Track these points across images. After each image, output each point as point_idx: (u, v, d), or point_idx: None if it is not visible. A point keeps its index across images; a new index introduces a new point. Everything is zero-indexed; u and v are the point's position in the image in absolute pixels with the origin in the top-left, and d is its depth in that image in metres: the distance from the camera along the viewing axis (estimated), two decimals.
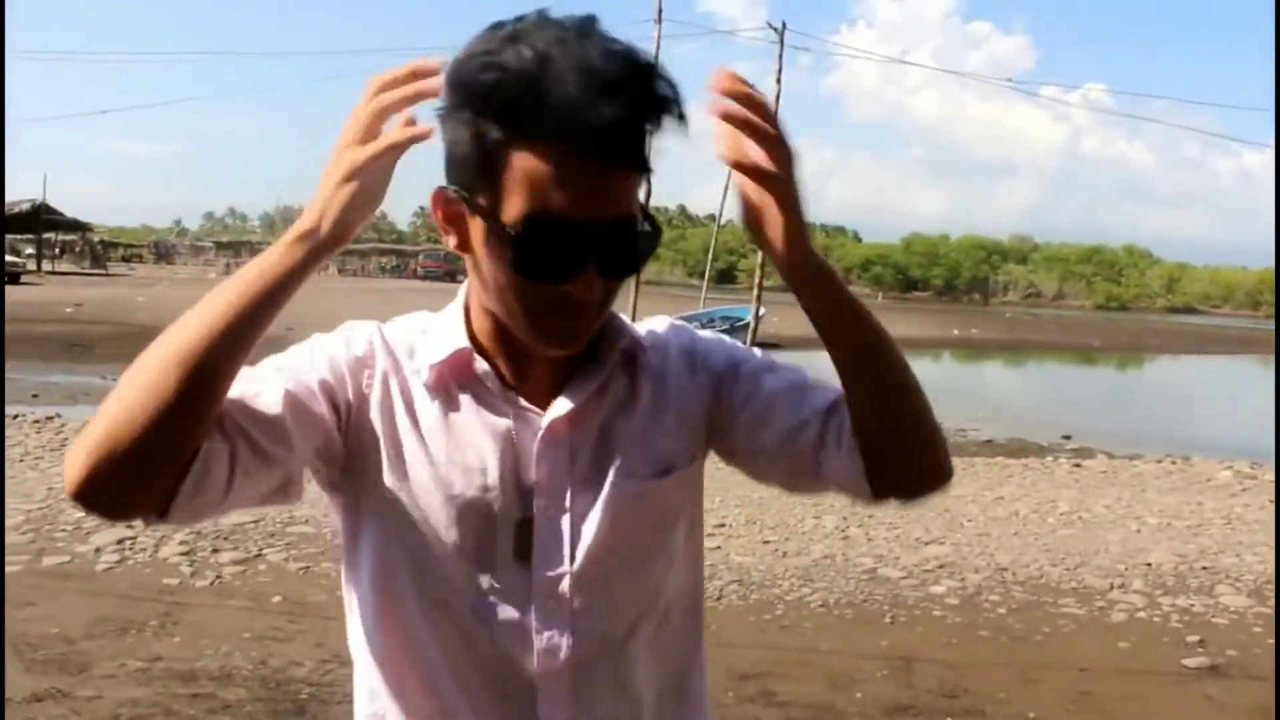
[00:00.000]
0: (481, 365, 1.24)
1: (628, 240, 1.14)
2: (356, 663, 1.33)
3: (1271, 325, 75.67)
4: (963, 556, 7.46)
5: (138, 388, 1.03)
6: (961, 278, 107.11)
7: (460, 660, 1.24)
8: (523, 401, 1.24)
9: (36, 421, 11.04)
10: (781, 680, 4.87)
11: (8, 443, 9.50)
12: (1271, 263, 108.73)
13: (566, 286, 1.12)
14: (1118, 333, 53.82)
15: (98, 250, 62.11)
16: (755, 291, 18.68)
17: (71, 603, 5.53)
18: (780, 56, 18.59)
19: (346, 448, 1.24)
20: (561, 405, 1.24)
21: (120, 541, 6.62)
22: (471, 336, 1.25)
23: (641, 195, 1.15)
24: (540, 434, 1.23)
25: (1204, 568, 7.44)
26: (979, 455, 13.11)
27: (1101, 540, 8.20)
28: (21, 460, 8.93)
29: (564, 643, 1.24)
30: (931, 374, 32.38)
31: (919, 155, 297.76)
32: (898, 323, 49.01)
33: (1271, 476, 11.86)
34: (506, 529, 1.23)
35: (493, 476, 1.22)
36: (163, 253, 76.95)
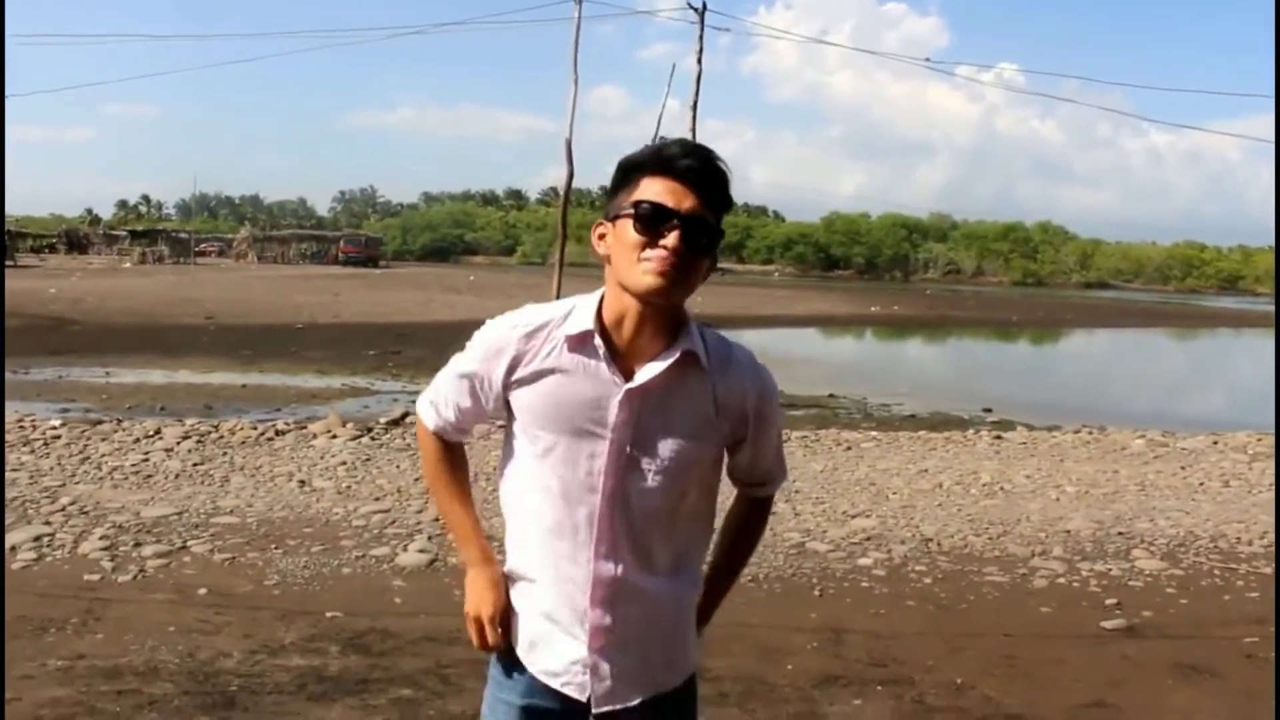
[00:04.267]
0: (597, 340, 1.98)
1: (698, 224, 1.93)
2: (507, 520, 2.13)
3: (1181, 299, 77.79)
4: (889, 529, 7.58)
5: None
6: (882, 256, 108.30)
7: (546, 513, 2.02)
8: (617, 372, 1.98)
9: None
10: (713, 654, 4.90)
11: None
12: (1179, 238, 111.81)
13: (661, 237, 1.90)
14: (1035, 308, 54.92)
15: (5, 241, 60.24)
16: None
17: None
18: (700, 38, 18.57)
19: (507, 396, 2.06)
20: (639, 378, 1.98)
21: (37, 539, 6.46)
22: (599, 321, 1.99)
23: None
24: (622, 392, 1.98)
25: (1120, 533, 7.65)
26: (902, 429, 13.31)
27: (1022, 509, 8.39)
28: None
29: (608, 502, 1.99)
30: (854, 351, 32.77)
31: (838, 135, 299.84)
32: (820, 301, 49.54)
33: (1183, 444, 12.22)
34: (586, 439, 1.99)
35: (589, 411, 1.98)
36: (75, 242, 74.91)
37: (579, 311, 2.01)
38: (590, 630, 2.03)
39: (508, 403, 2.07)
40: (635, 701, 2.07)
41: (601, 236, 2.00)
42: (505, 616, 2.10)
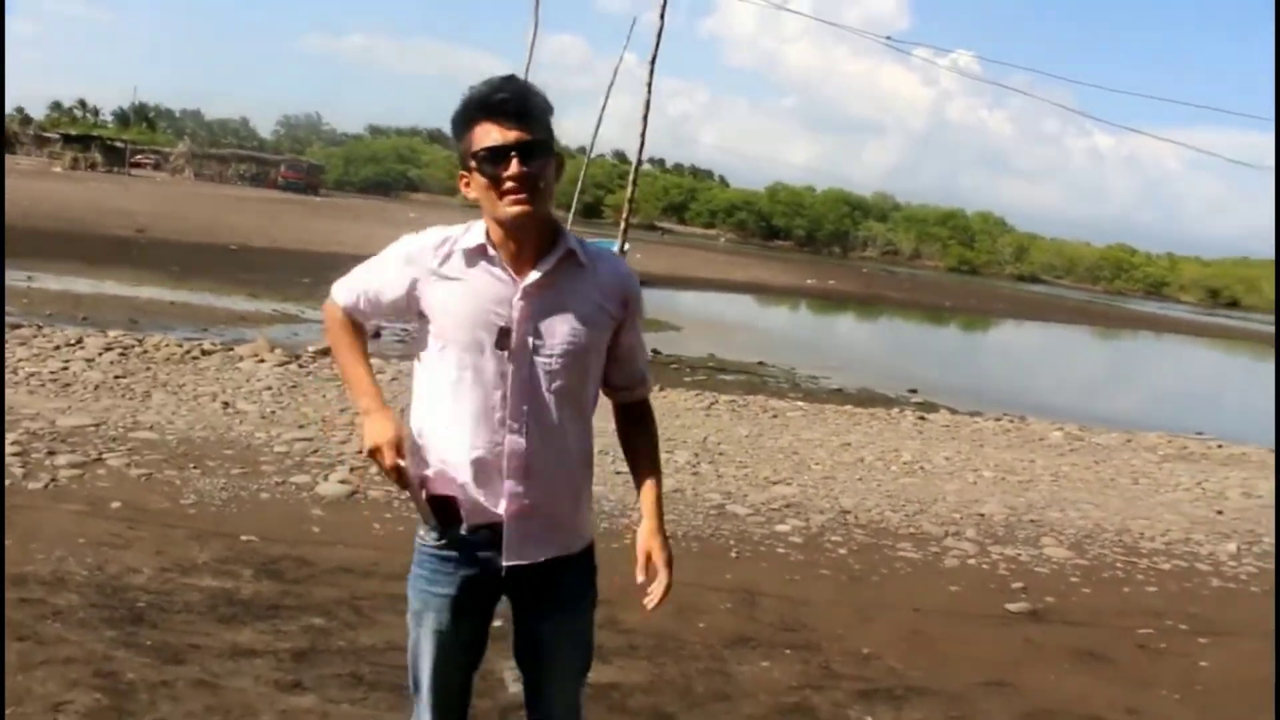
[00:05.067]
0: (491, 251, 2.29)
1: (528, 146, 2.22)
2: (412, 413, 2.39)
3: (1108, 300, 79.32)
4: (808, 498, 7.68)
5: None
6: (823, 230, 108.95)
7: (464, 399, 2.29)
8: (512, 272, 2.28)
9: None
10: (627, 609, 4.91)
11: None
12: (1113, 240, 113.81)
13: (503, 170, 2.21)
14: (968, 295, 55.71)
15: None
16: (622, 227, 18.60)
17: None
18: None
19: (419, 297, 2.33)
20: (530, 277, 2.28)
21: None
22: (487, 239, 2.30)
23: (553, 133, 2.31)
24: (519, 290, 2.27)
25: (1031, 520, 7.82)
26: (829, 402, 13.47)
27: (940, 490, 8.54)
28: None
29: (524, 388, 2.28)
30: (788, 322, 33.01)
31: (790, 105, 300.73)
32: (759, 269, 49.80)
33: (1099, 439, 12.52)
34: (494, 332, 2.27)
35: (493, 307, 2.27)
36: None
37: (473, 230, 2.32)
38: (507, 497, 2.32)
39: (419, 306, 2.34)
40: (542, 559, 2.37)
41: (466, 184, 2.32)
42: (401, 445, 2.30)
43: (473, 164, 2.25)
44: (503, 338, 2.27)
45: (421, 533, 2.43)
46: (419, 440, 2.37)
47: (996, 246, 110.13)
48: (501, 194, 2.22)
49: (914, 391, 16.31)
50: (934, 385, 17.24)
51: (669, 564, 2.40)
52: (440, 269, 2.30)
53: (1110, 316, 55.20)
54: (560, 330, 2.29)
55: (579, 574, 2.47)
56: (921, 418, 12.73)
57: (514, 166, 2.19)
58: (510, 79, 2.27)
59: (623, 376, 2.48)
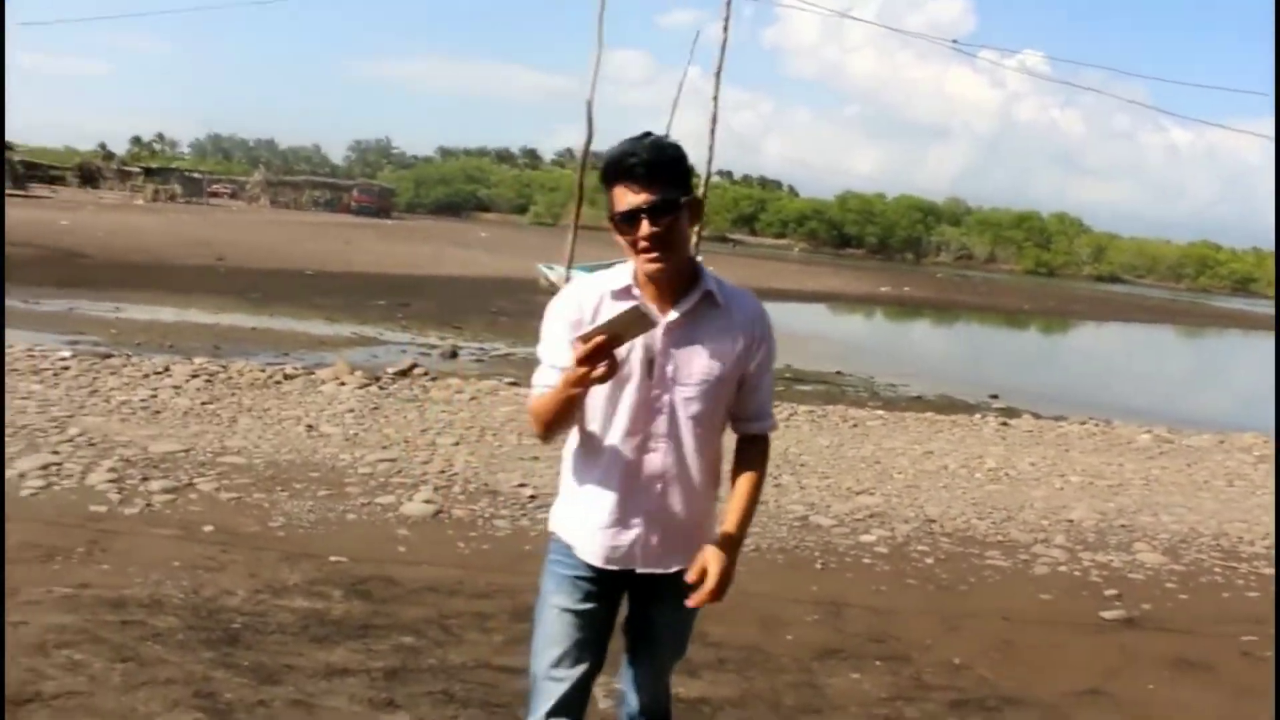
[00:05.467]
0: (636, 291, 2.50)
1: (657, 207, 2.40)
2: (571, 436, 2.64)
3: (1192, 297, 77.47)
4: (892, 507, 7.59)
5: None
6: (896, 237, 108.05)
7: (614, 423, 2.53)
8: (656, 311, 2.44)
9: None
10: (714, 622, 4.91)
11: None
12: (1194, 237, 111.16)
13: (637, 231, 2.42)
14: (1046, 297, 54.81)
15: (18, 170, 60.13)
16: (694, 241, 18.59)
17: None
18: (728, 4, 18.39)
19: None
20: (670, 316, 2.50)
21: (45, 467, 6.48)
22: (634, 280, 2.51)
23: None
24: (663, 324, 2.48)
25: (1123, 525, 7.65)
26: (909, 410, 13.32)
27: (1026, 496, 8.40)
28: None
29: (665, 413, 2.53)
30: (864, 330, 32.73)
31: (855, 114, 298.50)
32: (832, 278, 49.46)
33: (1189, 441, 12.22)
34: (640, 364, 2.49)
35: (641, 340, 2.44)
36: (88, 176, 74.75)
37: (620, 273, 2.55)
38: (643, 511, 2.58)
39: None
40: (674, 569, 2.60)
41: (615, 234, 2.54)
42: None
43: (612, 223, 2.47)
44: (648, 365, 2.50)
45: (555, 531, 2.70)
46: (578, 458, 2.65)
47: (1073, 247, 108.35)
48: (637, 252, 2.45)
49: (995, 397, 16.06)
50: (1015, 390, 16.97)
51: (722, 574, 2.50)
52: (595, 316, 2.47)
53: (1195, 314, 53.93)
54: (697, 365, 2.53)
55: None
56: (1004, 423, 12.53)
57: (644, 228, 2.40)
58: (643, 139, 2.44)
59: (744, 409, 2.66)
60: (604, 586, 2.64)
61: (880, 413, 12.59)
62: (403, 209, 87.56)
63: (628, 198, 2.42)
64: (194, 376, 10.15)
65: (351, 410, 9.33)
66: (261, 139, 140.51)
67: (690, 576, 2.51)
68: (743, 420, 2.69)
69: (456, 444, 8.20)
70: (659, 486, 2.58)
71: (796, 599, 5.47)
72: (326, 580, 5.09)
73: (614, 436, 2.55)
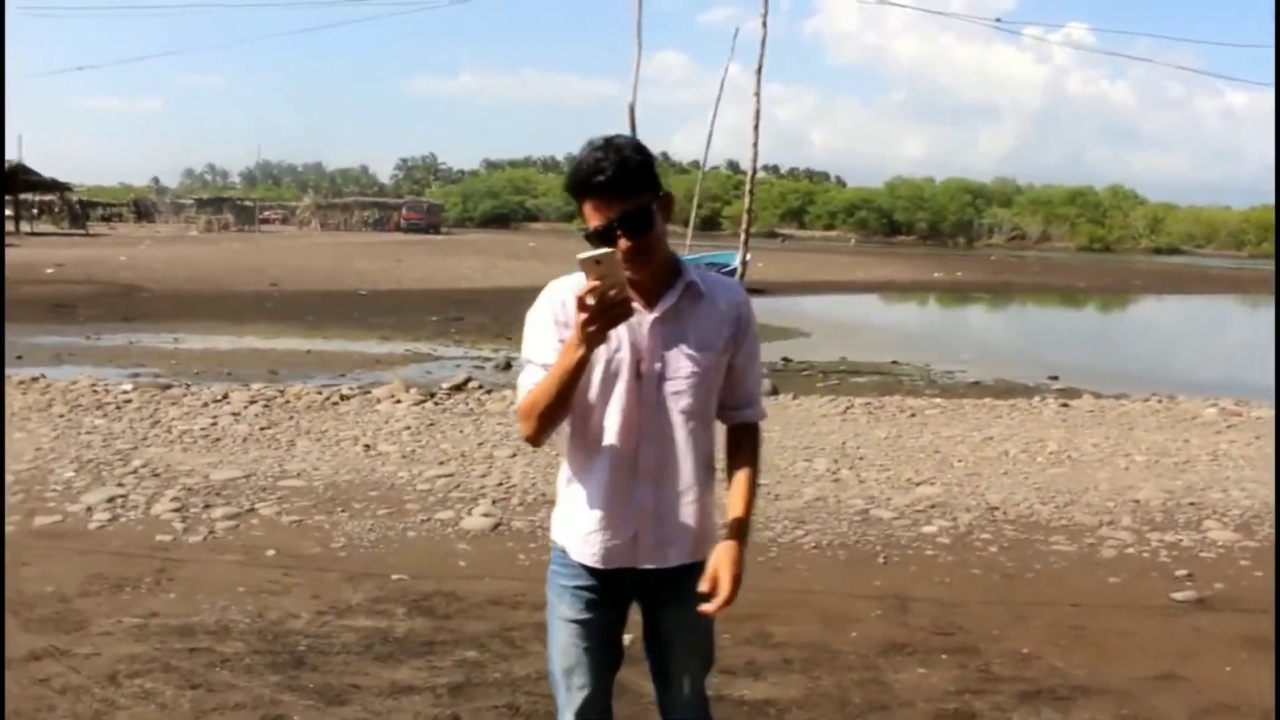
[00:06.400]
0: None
1: (629, 218, 2.38)
2: (564, 434, 2.56)
3: (1255, 264, 75.77)
4: (953, 496, 7.50)
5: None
6: (946, 221, 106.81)
7: (606, 419, 2.51)
8: (641, 308, 2.46)
9: (22, 383, 10.99)
10: (777, 622, 4.90)
11: None
12: (1255, 202, 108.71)
13: (616, 247, 2.33)
14: (1102, 273, 53.91)
15: (77, 210, 61.41)
16: (742, 238, 18.53)
17: (65, 561, 5.52)
18: (765, 1, 18.25)
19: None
20: (656, 312, 2.49)
21: (111, 500, 6.61)
22: None
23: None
24: (648, 322, 2.49)
25: (1191, 504, 7.49)
26: (966, 396, 13.16)
27: (1090, 478, 8.26)
28: (9, 421, 8.88)
29: (655, 409, 2.51)
30: (918, 318, 32.41)
31: (901, 99, 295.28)
32: (882, 267, 49.03)
33: (1258, 413, 11.93)
34: (628, 361, 2.48)
35: (629, 335, 2.47)
36: (143, 211, 76.24)
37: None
38: (641, 505, 2.55)
39: None
40: (673, 564, 2.58)
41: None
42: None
43: (588, 240, 2.43)
44: (636, 365, 2.49)
45: (554, 538, 2.70)
46: (570, 461, 2.62)
47: (1129, 221, 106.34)
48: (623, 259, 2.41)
49: (1054, 378, 15.81)
50: (1074, 370, 16.68)
51: (734, 580, 2.48)
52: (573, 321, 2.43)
53: (1259, 281, 52.74)
54: (685, 357, 2.52)
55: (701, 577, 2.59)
56: (1064, 405, 12.32)
57: (620, 243, 2.37)
58: (604, 148, 2.38)
59: (733, 397, 2.66)
60: (606, 592, 2.62)
61: (938, 401, 12.45)
62: (452, 224, 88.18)
63: (601, 212, 2.38)
64: (252, 402, 10.29)
65: (408, 427, 9.40)
66: (309, 163, 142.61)
67: (704, 586, 2.47)
68: (732, 409, 2.68)
69: (513, 456, 8.24)
70: (653, 482, 2.56)
71: (860, 595, 5.42)
72: (389, 598, 5.13)
73: (606, 435, 2.53)
